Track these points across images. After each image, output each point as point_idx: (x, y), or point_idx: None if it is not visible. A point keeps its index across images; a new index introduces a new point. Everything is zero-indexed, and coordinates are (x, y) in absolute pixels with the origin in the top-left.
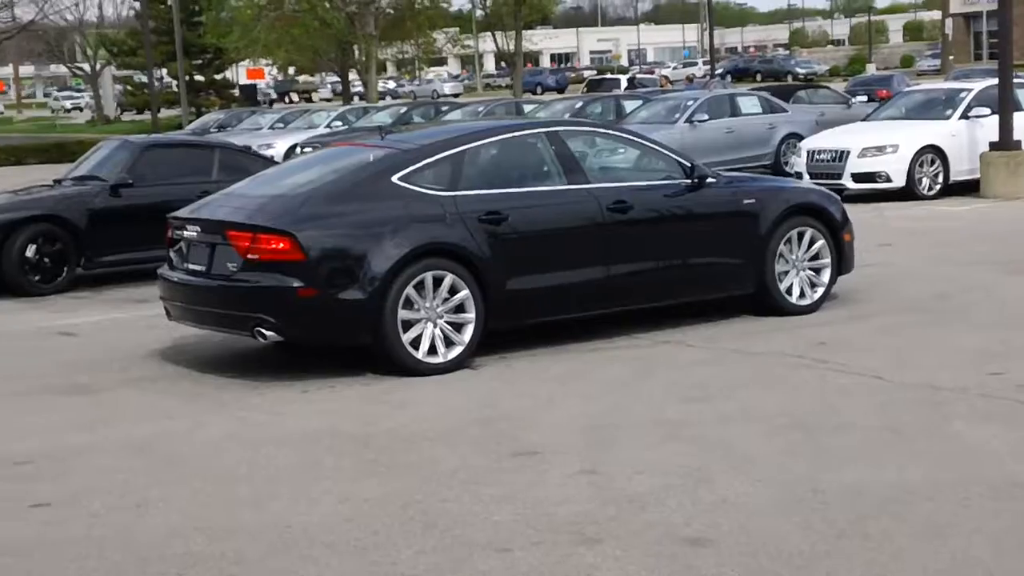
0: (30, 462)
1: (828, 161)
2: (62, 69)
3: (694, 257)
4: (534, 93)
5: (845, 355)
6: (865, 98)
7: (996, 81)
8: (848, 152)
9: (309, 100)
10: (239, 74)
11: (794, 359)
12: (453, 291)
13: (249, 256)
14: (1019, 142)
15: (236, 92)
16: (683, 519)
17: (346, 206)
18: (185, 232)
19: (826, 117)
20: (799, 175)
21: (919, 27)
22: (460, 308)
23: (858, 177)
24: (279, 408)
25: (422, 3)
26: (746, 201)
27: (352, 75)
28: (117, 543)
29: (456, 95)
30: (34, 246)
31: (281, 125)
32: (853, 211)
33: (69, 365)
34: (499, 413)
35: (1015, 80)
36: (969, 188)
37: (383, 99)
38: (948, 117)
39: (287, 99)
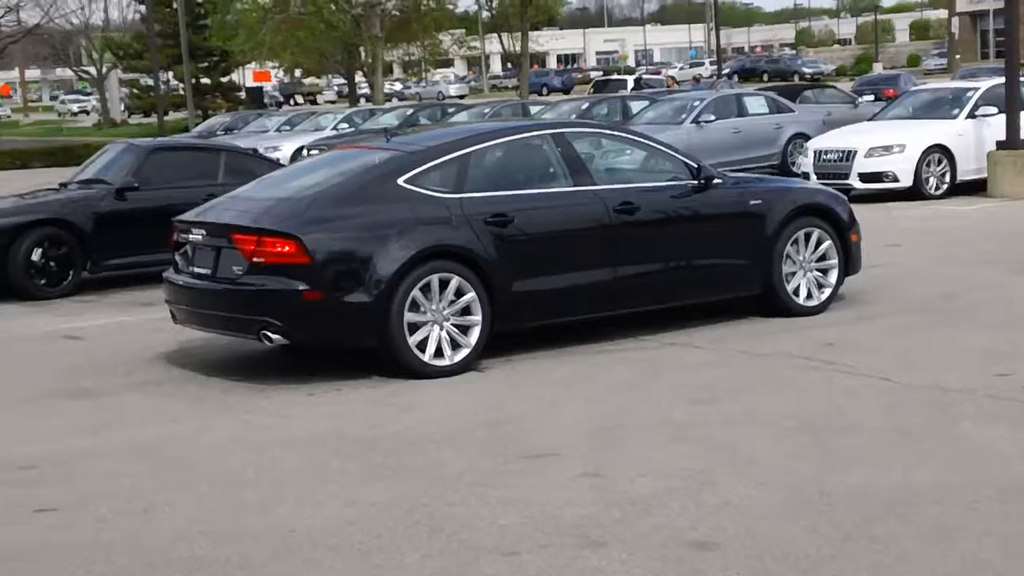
0: (35, 466)
1: (835, 161)
2: (68, 73)
3: (701, 258)
4: (539, 94)
5: (852, 356)
6: (872, 97)
7: (1003, 80)
8: (855, 152)
9: (314, 102)
10: (245, 77)
11: (801, 360)
12: (459, 293)
13: (255, 259)
14: None
15: (242, 95)
16: (688, 522)
17: (352, 209)
18: (190, 236)
19: (833, 117)
20: (806, 175)
21: (925, 26)
22: (466, 310)
23: (865, 177)
24: (285, 411)
25: (428, 5)
26: (753, 202)
27: (358, 77)
28: (124, 548)
29: (461, 96)
30: (40, 250)
31: (287, 127)
32: (860, 211)
33: (74, 369)
34: (505, 416)
35: (1022, 79)
36: (976, 187)
37: (389, 101)
38: (955, 116)
39: (291, 102)
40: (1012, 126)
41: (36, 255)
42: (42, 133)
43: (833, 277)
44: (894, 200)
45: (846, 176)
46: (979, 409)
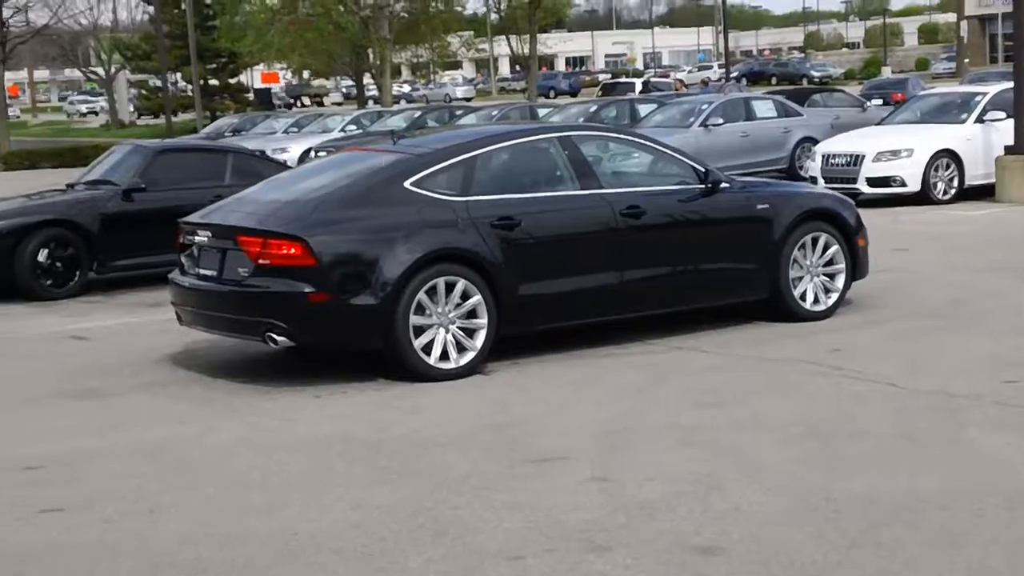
0: (41, 467)
1: (843, 165)
2: (77, 73)
3: (708, 262)
4: (547, 96)
5: (859, 361)
6: (880, 101)
7: (1011, 84)
8: (863, 156)
9: (320, 104)
10: (254, 78)
11: (808, 365)
12: (465, 296)
13: (260, 261)
14: None
15: (251, 96)
16: (694, 527)
17: (358, 211)
18: (196, 237)
19: (841, 121)
20: (814, 179)
21: (934, 30)
22: (472, 314)
23: (873, 181)
24: (291, 413)
25: (436, 7)
26: (760, 206)
27: (367, 79)
28: (129, 549)
29: (468, 99)
30: (46, 250)
31: (295, 129)
32: (868, 215)
33: (81, 369)
34: (511, 419)
35: None
36: (984, 192)
37: (398, 103)
38: (963, 121)
39: (299, 103)
40: (1021, 131)
41: (43, 256)
42: (51, 133)
43: (840, 282)
44: (902, 205)
45: (854, 180)
46: (986, 416)
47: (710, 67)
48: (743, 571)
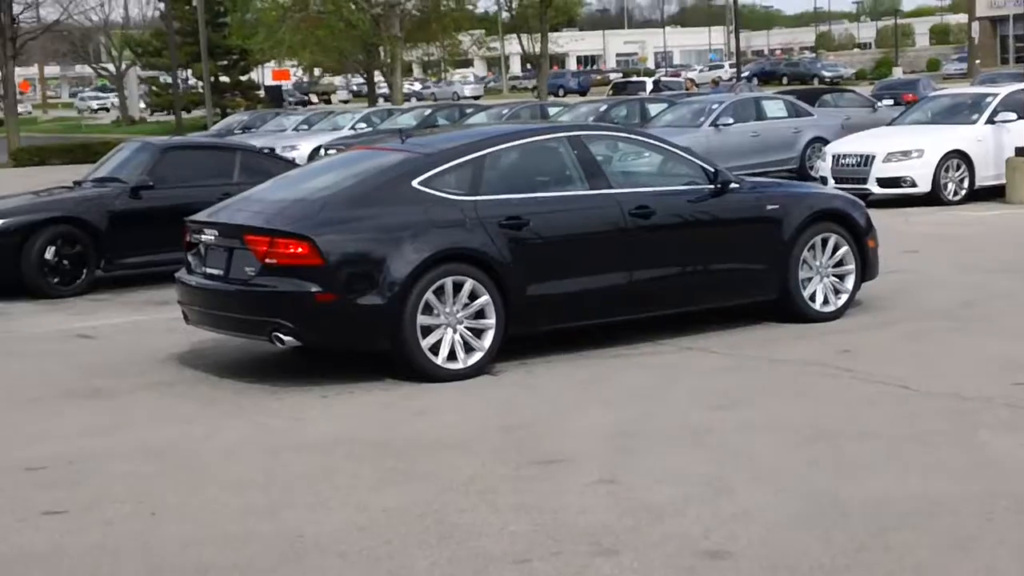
0: (45, 467)
1: (853, 165)
2: (87, 70)
3: (717, 263)
4: (555, 95)
5: (869, 363)
6: (891, 102)
7: (1022, 85)
8: (873, 157)
9: (328, 102)
10: (265, 75)
11: (818, 367)
12: (473, 296)
13: (267, 260)
14: None
15: (261, 93)
16: (702, 531)
17: (366, 210)
18: (203, 236)
19: (852, 121)
20: (824, 179)
21: (945, 30)
22: (480, 314)
23: (883, 182)
24: (298, 413)
25: (448, 5)
26: (769, 207)
27: (378, 76)
28: (131, 552)
29: (476, 97)
30: (53, 248)
31: (305, 127)
32: (878, 216)
33: (87, 368)
34: (519, 420)
35: None
36: (995, 193)
37: (408, 101)
38: (974, 122)
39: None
40: None
41: (50, 253)
42: (61, 130)
43: (850, 283)
44: (912, 205)
45: (864, 181)
46: (997, 418)
47: (721, 67)
48: (750, 575)
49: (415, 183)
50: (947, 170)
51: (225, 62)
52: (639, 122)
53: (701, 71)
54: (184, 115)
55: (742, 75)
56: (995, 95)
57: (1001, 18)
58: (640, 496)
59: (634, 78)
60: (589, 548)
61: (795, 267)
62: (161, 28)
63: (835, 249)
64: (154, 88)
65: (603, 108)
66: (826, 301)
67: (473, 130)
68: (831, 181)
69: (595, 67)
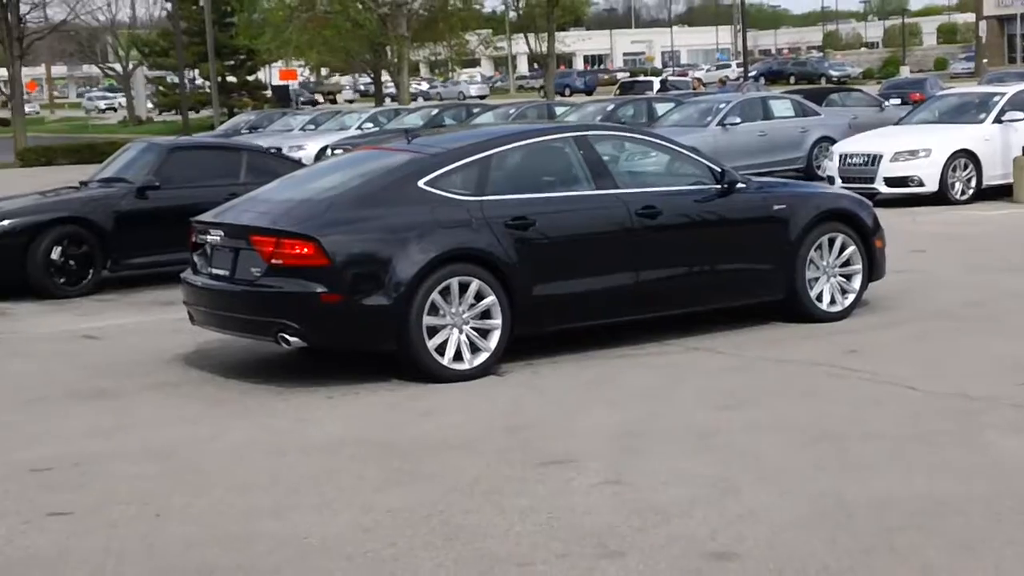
0: (50, 469)
1: (860, 165)
2: (94, 70)
3: (724, 263)
4: (561, 94)
5: (876, 363)
6: (898, 101)
7: None
8: (881, 156)
9: (333, 102)
10: (272, 75)
11: (824, 367)
12: (479, 297)
13: (273, 261)
14: None
15: (268, 93)
16: (708, 532)
17: (372, 211)
18: (209, 236)
19: (859, 120)
20: (831, 179)
21: (953, 29)
22: (486, 314)
23: (891, 181)
24: (303, 414)
25: (455, 4)
26: (776, 207)
27: (385, 76)
28: (136, 554)
29: (482, 97)
30: (59, 248)
31: (312, 127)
32: (885, 216)
33: (92, 369)
34: (525, 421)
35: None
36: (1002, 193)
37: (415, 100)
38: (981, 121)
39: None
40: None
41: (56, 253)
42: (68, 130)
43: (857, 283)
44: (919, 205)
45: (871, 180)
46: (1004, 418)
47: (728, 66)
48: None
49: (421, 183)
50: (954, 169)
51: (232, 62)
52: (646, 122)
53: (708, 70)
54: (191, 115)
55: (749, 74)
56: (1002, 94)
57: (1009, 17)
58: (646, 497)
59: (641, 78)
60: (595, 550)
61: (802, 267)
62: (168, 28)
63: (842, 249)
64: (161, 88)
65: (610, 108)
66: (833, 301)
67: (479, 130)
68: (838, 181)
69: (602, 67)
